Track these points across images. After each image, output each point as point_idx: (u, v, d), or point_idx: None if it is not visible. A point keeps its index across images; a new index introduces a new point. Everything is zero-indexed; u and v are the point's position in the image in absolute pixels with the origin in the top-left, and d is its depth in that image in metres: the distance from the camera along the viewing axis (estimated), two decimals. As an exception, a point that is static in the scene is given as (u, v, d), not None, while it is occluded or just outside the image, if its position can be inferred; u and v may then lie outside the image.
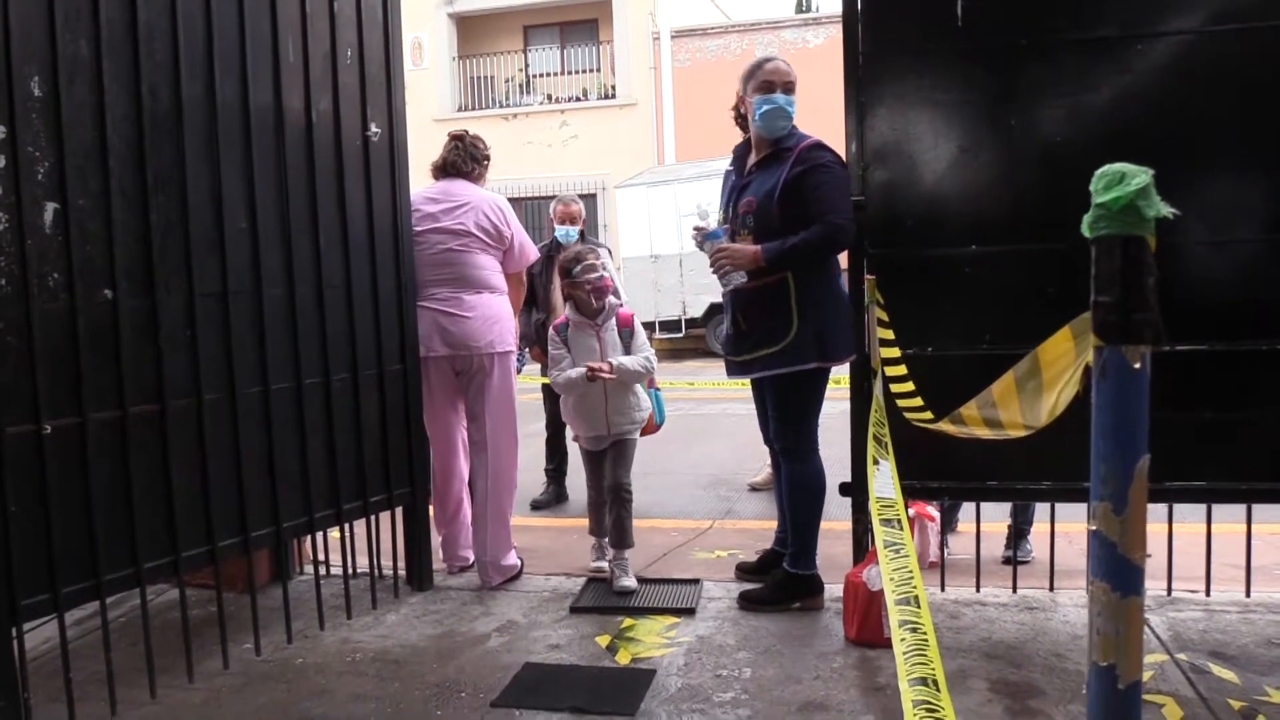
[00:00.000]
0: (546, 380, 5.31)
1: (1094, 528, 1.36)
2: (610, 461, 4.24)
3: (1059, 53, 3.47)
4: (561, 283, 4.18)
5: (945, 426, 2.87)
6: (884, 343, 3.46)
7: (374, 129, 3.91)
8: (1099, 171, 1.33)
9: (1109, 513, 1.35)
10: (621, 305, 4.33)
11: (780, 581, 3.84)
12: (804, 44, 19.90)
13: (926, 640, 2.09)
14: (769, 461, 6.30)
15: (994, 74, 3.53)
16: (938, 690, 1.93)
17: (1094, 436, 1.35)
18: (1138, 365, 1.33)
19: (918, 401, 3.40)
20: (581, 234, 6.00)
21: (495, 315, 4.29)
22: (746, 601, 3.84)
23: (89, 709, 3.07)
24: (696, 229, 3.82)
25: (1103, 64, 3.44)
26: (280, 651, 3.58)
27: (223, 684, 3.32)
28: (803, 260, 3.61)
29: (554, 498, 6.14)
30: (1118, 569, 1.35)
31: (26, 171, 2.81)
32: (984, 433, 2.55)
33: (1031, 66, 3.49)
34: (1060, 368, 1.84)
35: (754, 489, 6.33)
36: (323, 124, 3.71)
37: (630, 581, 4.10)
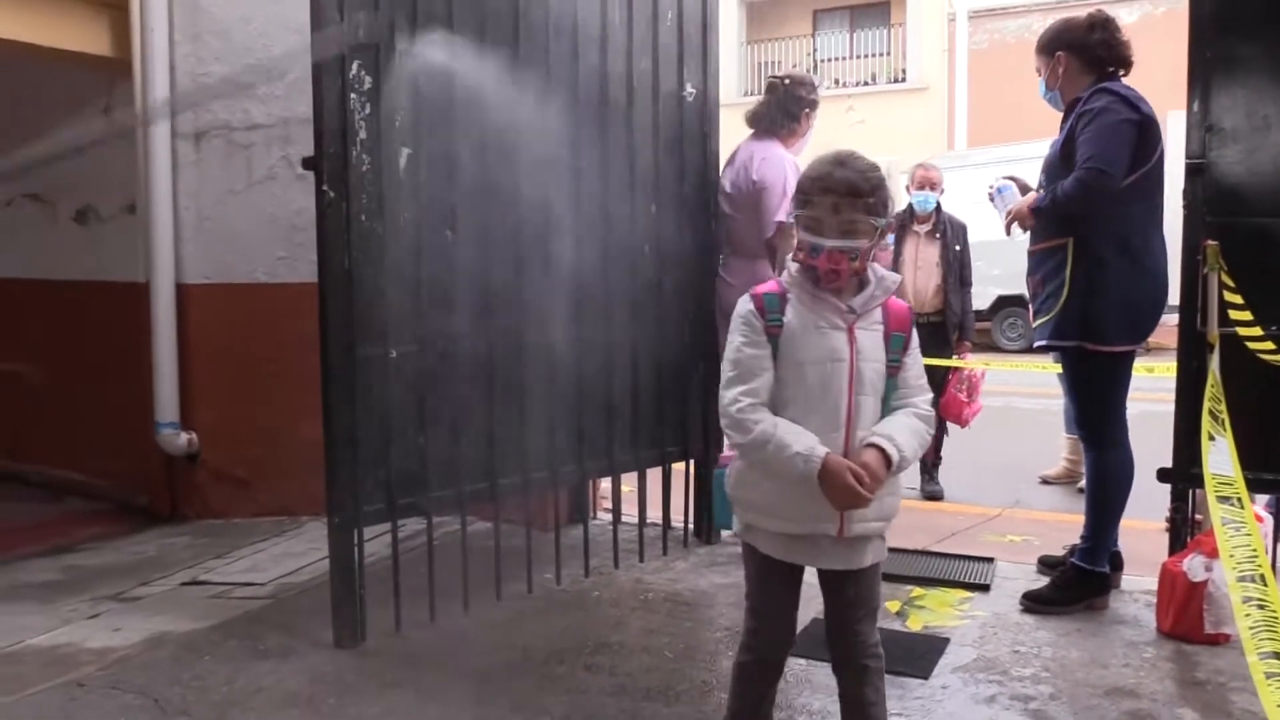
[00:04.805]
0: None
1: None
2: (840, 595, 2.22)
3: None
4: (783, 223, 2.29)
5: None
6: (1231, 306, 3.18)
7: (690, 89, 4.01)
8: None
9: None
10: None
11: (1069, 578, 3.54)
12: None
13: (1277, 617, 1.93)
14: (1065, 455, 6.00)
15: (1370, 25, 3.18)
16: (1293, 665, 1.78)
17: None
18: None
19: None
20: (938, 205, 5.63)
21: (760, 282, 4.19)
22: (1031, 602, 3.50)
23: (411, 614, 3.34)
24: (990, 186, 3.82)
25: None
26: (578, 584, 3.77)
27: (526, 606, 3.55)
28: (1063, 213, 3.40)
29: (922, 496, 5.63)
30: None
31: (386, 118, 3.10)
32: None
33: None
34: None
35: (1045, 481, 6.01)
36: (642, 83, 3.84)
37: None
